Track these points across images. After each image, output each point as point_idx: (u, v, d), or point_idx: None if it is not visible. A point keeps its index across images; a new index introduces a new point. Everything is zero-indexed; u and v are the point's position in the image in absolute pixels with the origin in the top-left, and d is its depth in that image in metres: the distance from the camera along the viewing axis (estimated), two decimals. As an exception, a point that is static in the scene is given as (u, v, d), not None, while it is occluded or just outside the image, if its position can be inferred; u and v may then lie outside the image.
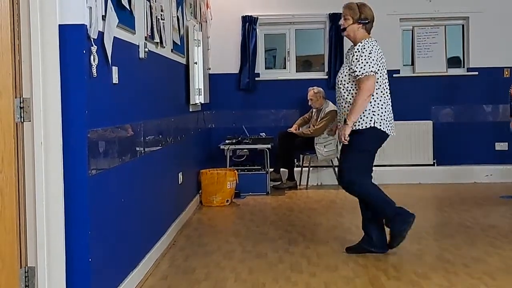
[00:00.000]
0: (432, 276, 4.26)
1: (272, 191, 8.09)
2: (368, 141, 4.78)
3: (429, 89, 8.91)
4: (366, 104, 4.69)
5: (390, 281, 4.17)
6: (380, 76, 4.77)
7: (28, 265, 3.16)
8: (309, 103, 8.46)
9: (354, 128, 4.73)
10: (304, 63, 9.42)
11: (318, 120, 8.34)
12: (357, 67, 4.70)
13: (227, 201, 7.28)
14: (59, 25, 3.14)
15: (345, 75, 4.84)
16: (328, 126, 8.23)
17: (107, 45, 3.52)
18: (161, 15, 5.11)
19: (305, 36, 9.42)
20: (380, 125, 4.75)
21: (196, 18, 7.45)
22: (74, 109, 3.19)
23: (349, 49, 5.03)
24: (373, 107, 4.74)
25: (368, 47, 4.75)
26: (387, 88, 4.85)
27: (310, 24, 9.19)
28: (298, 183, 8.53)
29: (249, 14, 8.84)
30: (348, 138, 4.72)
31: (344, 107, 4.83)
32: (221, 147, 8.14)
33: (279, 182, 8.41)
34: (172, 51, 5.77)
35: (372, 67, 4.69)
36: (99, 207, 3.42)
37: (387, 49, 8.79)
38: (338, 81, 4.90)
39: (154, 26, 4.84)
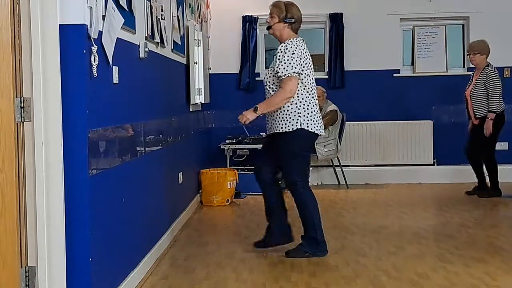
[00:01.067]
0: (433, 276, 4.26)
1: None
2: (298, 143, 4.75)
3: (430, 89, 8.91)
4: (282, 104, 4.67)
5: (391, 281, 4.17)
6: (305, 77, 4.73)
7: (29, 265, 3.16)
8: None
9: (281, 131, 4.72)
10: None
11: None
12: (279, 68, 4.65)
13: (227, 201, 7.27)
14: (60, 25, 3.14)
15: (270, 76, 4.81)
16: (328, 125, 8.23)
17: (106, 46, 3.51)
18: (162, 15, 5.11)
19: (305, 36, 9.35)
20: (308, 126, 4.72)
21: (196, 18, 7.45)
22: (75, 109, 3.19)
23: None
24: (299, 109, 4.70)
25: (291, 47, 4.70)
26: (313, 89, 4.81)
27: (311, 24, 9.16)
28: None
29: (249, 14, 8.83)
30: (247, 122, 4.75)
31: (275, 113, 4.78)
32: (221, 147, 8.14)
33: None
34: (172, 51, 5.77)
35: (295, 68, 4.64)
36: (99, 207, 3.42)
37: (387, 49, 8.90)
38: (265, 83, 4.86)
39: (155, 26, 4.84)
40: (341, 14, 8.83)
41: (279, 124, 4.74)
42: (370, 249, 5.04)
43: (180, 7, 6.18)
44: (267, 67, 9.24)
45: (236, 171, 7.55)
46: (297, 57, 4.67)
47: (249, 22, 8.82)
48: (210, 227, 6.15)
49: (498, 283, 4.08)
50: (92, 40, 3.29)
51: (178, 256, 4.91)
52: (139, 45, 4.39)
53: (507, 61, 8.76)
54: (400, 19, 8.93)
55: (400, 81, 8.94)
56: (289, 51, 4.67)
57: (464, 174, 8.65)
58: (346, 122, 8.56)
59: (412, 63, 9.05)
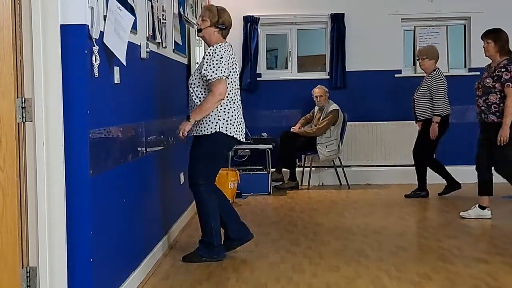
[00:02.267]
0: (434, 277, 4.26)
1: (274, 191, 8.09)
2: (213, 145, 4.74)
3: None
4: (214, 107, 4.66)
5: (392, 281, 4.17)
6: (231, 82, 4.73)
7: (30, 265, 3.16)
8: (317, 100, 8.44)
9: (200, 134, 4.73)
10: (307, 62, 9.43)
11: (321, 119, 8.34)
12: (208, 71, 4.63)
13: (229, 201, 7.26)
14: (61, 25, 3.14)
15: (196, 78, 4.79)
16: (329, 125, 8.24)
17: (113, 46, 3.50)
18: (163, 15, 5.11)
19: (306, 36, 9.42)
20: (226, 130, 4.71)
21: (197, 18, 7.45)
22: (76, 109, 3.19)
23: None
24: (219, 112, 4.70)
25: (220, 51, 4.69)
26: (237, 95, 4.82)
27: (312, 24, 9.19)
28: (299, 183, 8.52)
29: (251, 14, 8.83)
30: (186, 134, 4.72)
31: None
32: (222, 147, 8.12)
33: (280, 182, 8.41)
34: (173, 51, 5.77)
35: (224, 71, 4.64)
36: (100, 207, 3.42)
37: (389, 49, 8.90)
38: (189, 85, 4.86)
39: (156, 26, 4.84)
40: (343, 14, 8.83)
41: (200, 126, 4.74)
42: (372, 249, 5.03)
43: (181, 7, 6.18)
44: (268, 67, 9.27)
45: (237, 171, 7.55)
46: (225, 61, 4.67)
47: (250, 23, 8.82)
48: (211, 227, 6.14)
49: (499, 284, 4.08)
50: (93, 40, 3.29)
51: (179, 257, 4.90)
52: (140, 46, 4.40)
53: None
54: (401, 19, 8.92)
55: (402, 82, 8.93)
56: (217, 54, 4.67)
57: (465, 175, 8.65)
58: (348, 123, 8.56)
59: (414, 64, 9.04)
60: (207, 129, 4.71)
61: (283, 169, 8.46)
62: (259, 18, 8.84)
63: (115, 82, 3.75)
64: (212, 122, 4.70)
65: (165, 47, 5.29)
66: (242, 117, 4.91)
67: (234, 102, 4.79)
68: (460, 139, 8.80)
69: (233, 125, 4.75)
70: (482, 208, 6.20)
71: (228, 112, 4.74)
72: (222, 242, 4.84)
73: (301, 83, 8.91)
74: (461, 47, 9.13)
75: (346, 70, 8.84)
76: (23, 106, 3.11)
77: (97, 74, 3.32)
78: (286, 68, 9.24)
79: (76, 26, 3.18)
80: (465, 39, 9.07)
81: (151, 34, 4.71)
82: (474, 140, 8.68)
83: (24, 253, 3.13)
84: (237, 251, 5.02)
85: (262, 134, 8.53)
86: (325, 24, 9.06)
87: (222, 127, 4.70)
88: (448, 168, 8.75)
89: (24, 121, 3.12)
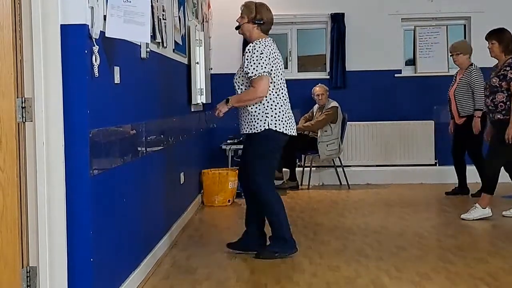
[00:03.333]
0: (434, 277, 4.26)
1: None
2: (264, 143, 4.74)
3: (431, 89, 8.90)
4: (251, 103, 4.69)
5: (392, 281, 4.17)
6: (275, 77, 4.72)
7: (30, 265, 3.16)
8: (318, 98, 8.44)
9: (249, 132, 4.74)
10: (307, 62, 9.43)
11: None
12: (249, 68, 4.65)
13: (229, 201, 7.27)
14: (61, 25, 3.14)
15: (239, 76, 4.82)
16: (328, 120, 8.23)
17: (129, 34, 3.49)
18: (163, 15, 5.11)
19: (306, 36, 9.41)
20: (275, 126, 4.71)
21: (197, 18, 7.45)
22: (76, 109, 3.19)
23: None
24: (267, 109, 4.70)
25: (259, 47, 4.68)
26: (283, 89, 4.81)
27: (312, 24, 9.19)
28: (299, 183, 8.52)
29: (251, 14, 8.82)
30: (222, 115, 4.82)
31: (242, 113, 4.81)
32: (222, 147, 8.14)
33: (281, 182, 8.40)
34: (173, 51, 5.77)
35: (264, 67, 4.64)
36: (101, 207, 3.42)
37: (389, 49, 8.90)
38: (234, 83, 4.89)
39: (156, 26, 4.84)
40: (343, 14, 8.83)
41: (247, 125, 4.76)
42: (372, 249, 5.03)
43: (182, 7, 6.18)
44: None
45: (237, 171, 7.53)
46: (266, 57, 4.66)
47: (250, 22, 8.80)
48: (211, 227, 6.15)
49: (499, 283, 4.08)
50: (94, 40, 3.29)
51: (180, 257, 4.90)
52: (140, 45, 4.39)
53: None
54: (401, 19, 8.92)
55: (402, 81, 8.93)
56: (257, 51, 4.67)
57: (466, 174, 8.65)
58: (348, 123, 8.56)
59: (414, 63, 9.04)
60: (256, 127, 4.71)
61: (283, 169, 8.46)
62: (259, 18, 8.82)
63: (115, 82, 3.75)
64: (261, 120, 4.70)
65: (165, 47, 5.29)
66: (291, 111, 4.88)
67: (281, 97, 4.77)
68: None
69: (281, 121, 4.73)
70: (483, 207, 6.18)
71: (276, 108, 4.72)
72: (291, 236, 4.83)
73: (301, 83, 8.90)
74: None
75: (346, 70, 8.84)
76: (23, 106, 3.11)
77: (97, 74, 3.32)
78: (286, 68, 9.22)
79: (76, 26, 3.18)
80: (465, 39, 9.05)
81: (151, 34, 4.70)
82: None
83: (24, 253, 3.13)
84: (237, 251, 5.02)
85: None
86: (325, 24, 9.05)
87: (271, 124, 4.69)
88: (449, 169, 8.77)
89: (24, 121, 3.12)
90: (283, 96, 4.79)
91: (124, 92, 3.97)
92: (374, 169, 8.87)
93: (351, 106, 8.67)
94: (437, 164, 8.84)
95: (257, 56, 4.64)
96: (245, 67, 4.67)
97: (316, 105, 8.57)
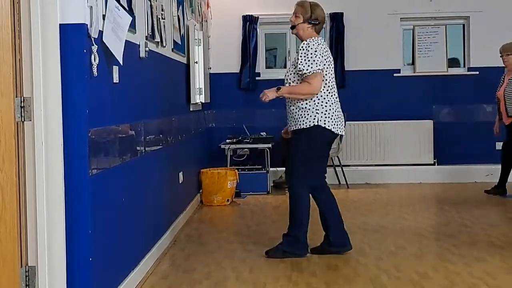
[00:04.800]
0: (433, 276, 4.26)
1: (273, 191, 8.09)
2: (311, 139, 4.74)
3: (430, 89, 8.91)
4: (303, 97, 4.69)
5: (391, 281, 4.17)
6: (326, 75, 4.74)
7: (29, 265, 3.16)
8: None
9: (298, 128, 4.73)
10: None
11: None
12: (303, 66, 4.67)
13: (228, 200, 7.27)
14: (60, 24, 3.14)
15: (291, 73, 4.82)
16: None
17: (112, 46, 3.49)
18: (162, 14, 5.11)
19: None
20: (325, 123, 4.70)
21: (196, 18, 7.45)
22: (75, 109, 3.19)
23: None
24: (317, 105, 4.71)
25: (313, 45, 4.72)
26: (333, 87, 4.82)
27: (311, 24, 9.18)
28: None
29: (250, 13, 8.84)
30: (267, 100, 4.82)
31: (292, 108, 4.79)
32: (221, 147, 8.13)
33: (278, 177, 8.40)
34: (172, 50, 5.77)
35: (318, 65, 4.66)
36: (99, 207, 3.42)
37: (388, 49, 8.90)
38: (285, 79, 4.89)
39: (155, 26, 4.84)
40: (342, 13, 8.83)
41: (297, 120, 4.75)
42: (371, 248, 5.03)
43: (181, 6, 6.18)
44: (267, 67, 9.26)
45: (236, 170, 7.55)
46: (320, 55, 4.69)
47: (249, 22, 8.82)
48: (210, 226, 6.15)
49: (498, 283, 4.08)
50: (92, 39, 3.28)
51: (178, 256, 4.91)
52: (139, 45, 4.39)
53: (507, 61, 8.73)
54: (400, 18, 8.92)
55: (401, 81, 8.94)
56: (311, 48, 4.69)
57: (465, 174, 8.67)
58: (347, 122, 8.55)
59: (413, 63, 9.04)
60: (305, 122, 4.71)
61: (279, 169, 8.46)
62: (258, 17, 8.84)
63: (114, 81, 3.75)
64: (310, 116, 4.70)
65: (164, 46, 5.29)
66: (341, 110, 4.88)
67: (331, 95, 4.78)
68: (459, 139, 8.81)
69: (331, 118, 4.73)
70: None
71: (326, 105, 4.73)
72: (307, 240, 4.81)
73: (300, 82, 8.89)
74: (460, 47, 9.12)
75: (345, 69, 8.84)
76: (22, 105, 3.10)
77: (96, 74, 3.31)
78: (285, 68, 9.23)
79: (75, 25, 3.18)
80: (464, 38, 9.06)
81: (150, 33, 4.71)
82: (474, 140, 8.72)
83: (23, 253, 3.13)
84: (236, 251, 5.03)
85: (261, 133, 8.53)
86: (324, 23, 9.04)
87: (320, 120, 4.70)
88: (448, 168, 8.79)
89: (23, 120, 3.11)
90: (334, 95, 4.80)
91: (123, 92, 3.97)
92: (373, 169, 8.87)
93: (350, 105, 8.63)
94: (436, 164, 8.84)
95: (311, 54, 4.67)
96: (299, 64, 4.68)
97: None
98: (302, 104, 4.73)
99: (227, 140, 8.24)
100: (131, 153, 4.12)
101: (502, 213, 6.50)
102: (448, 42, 8.95)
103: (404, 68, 9.05)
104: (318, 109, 4.70)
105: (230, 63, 8.89)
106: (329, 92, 4.77)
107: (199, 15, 7.75)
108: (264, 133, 8.54)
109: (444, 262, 4.60)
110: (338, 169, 8.53)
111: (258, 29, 8.89)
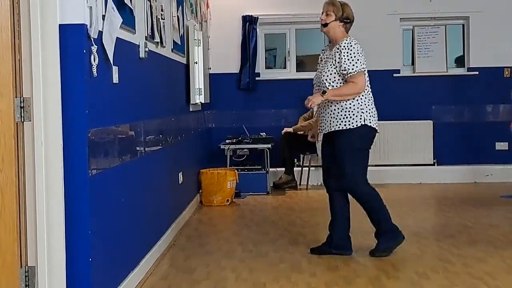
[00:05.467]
0: (433, 276, 4.26)
1: (272, 191, 8.09)
2: (360, 139, 4.73)
3: (430, 89, 8.91)
4: (349, 98, 4.67)
5: (391, 281, 4.17)
6: (366, 73, 4.76)
7: (29, 265, 3.16)
8: None
9: (344, 128, 4.68)
10: (306, 61, 9.43)
11: None
12: (348, 65, 4.65)
13: (227, 200, 7.27)
14: (59, 25, 3.14)
15: (331, 74, 4.74)
16: None
17: (107, 45, 3.51)
18: (161, 14, 5.11)
19: (305, 36, 9.41)
20: (370, 122, 4.72)
21: (196, 18, 7.45)
22: (75, 109, 3.19)
23: (323, 49, 5.00)
24: (361, 105, 4.71)
25: (355, 44, 4.73)
26: (369, 86, 4.86)
27: (311, 24, 9.16)
28: (298, 183, 8.51)
29: (249, 13, 8.83)
30: (313, 106, 4.76)
31: (333, 109, 4.73)
32: (221, 147, 8.13)
33: (294, 184, 8.39)
34: (172, 50, 5.76)
35: (362, 63, 4.68)
36: (99, 207, 3.42)
37: (387, 49, 8.89)
38: (322, 81, 4.76)
39: (155, 26, 4.84)
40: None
41: (342, 121, 4.69)
42: (370, 248, 5.03)
43: (180, 6, 6.17)
44: (267, 67, 9.26)
45: (236, 171, 7.55)
46: (362, 54, 4.70)
47: (249, 22, 8.82)
48: (210, 227, 6.15)
49: (498, 283, 4.08)
50: (92, 40, 3.29)
51: (178, 256, 4.90)
52: (139, 45, 4.39)
53: (507, 61, 8.75)
54: (400, 19, 8.92)
55: (400, 81, 8.93)
56: (353, 47, 4.69)
57: (464, 174, 8.67)
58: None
59: (412, 63, 9.04)
60: (352, 122, 4.68)
61: (279, 168, 8.46)
62: (257, 17, 8.84)
63: (114, 81, 3.75)
64: (356, 116, 4.68)
65: (164, 47, 5.29)
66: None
67: (370, 93, 4.81)
68: (459, 139, 8.82)
69: (374, 117, 4.76)
70: None
71: (369, 104, 4.75)
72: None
73: (299, 82, 8.89)
74: (459, 47, 9.12)
75: (345, 69, 8.83)
76: (22, 105, 3.10)
77: (95, 74, 3.32)
78: (285, 68, 9.24)
79: (74, 25, 3.18)
80: (463, 39, 9.06)
81: (150, 34, 4.71)
82: (474, 140, 8.73)
83: (22, 253, 3.13)
84: (236, 251, 5.02)
85: (261, 133, 8.53)
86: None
87: (366, 119, 4.70)
88: (448, 168, 8.79)
89: (22, 120, 3.11)
90: (371, 94, 4.83)
91: (123, 92, 3.97)
92: (372, 169, 8.76)
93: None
94: (436, 164, 8.84)
95: (354, 53, 4.67)
96: (343, 64, 4.64)
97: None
98: (346, 104, 4.69)
99: (227, 140, 8.24)
100: (130, 154, 4.12)
101: (502, 213, 6.49)
102: (447, 42, 8.94)
103: (403, 68, 9.05)
104: (363, 109, 4.70)
105: (230, 63, 8.89)
106: (370, 92, 4.81)
107: (199, 15, 7.74)
108: (264, 133, 8.54)
109: (444, 262, 4.60)
110: (338, 169, 8.51)
111: (257, 29, 8.89)
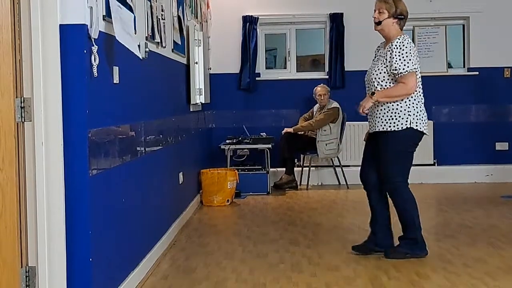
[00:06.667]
0: (433, 276, 4.26)
1: (273, 191, 8.09)
2: (405, 141, 4.65)
3: (430, 89, 8.83)
4: (398, 99, 4.60)
5: (391, 281, 4.17)
6: (417, 74, 4.69)
7: (29, 265, 3.16)
8: (320, 99, 8.43)
9: (389, 130, 4.62)
10: (312, 62, 9.42)
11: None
12: (399, 65, 4.57)
13: (228, 201, 7.27)
14: (60, 25, 3.14)
15: (381, 73, 4.67)
16: (328, 120, 8.22)
17: (127, 44, 3.50)
18: (162, 15, 5.11)
19: (305, 36, 9.42)
20: (417, 125, 4.64)
21: (196, 18, 7.45)
22: (75, 109, 3.19)
23: (378, 46, 4.92)
24: (409, 107, 4.63)
25: (408, 43, 4.63)
26: (421, 87, 4.76)
27: (311, 24, 9.19)
28: (299, 183, 8.51)
29: (250, 14, 8.84)
30: (367, 111, 4.66)
31: (380, 109, 4.67)
32: (221, 147, 8.14)
33: (294, 184, 8.39)
34: (172, 51, 5.77)
35: (414, 63, 4.60)
36: (99, 207, 3.42)
37: (388, 49, 8.87)
38: (371, 79, 4.71)
39: (155, 26, 4.84)
40: (341, 14, 8.83)
41: (387, 122, 4.64)
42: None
43: (181, 7, 6.18)
44: (267, 67, 9.26)
45: (236, 171, 7.55)
46: (414, 53, 4.62)
47: (249, 22, 8.82)
48: (210, 227, 6.15)
49: (498, 283, 4.08)
50: (93, 40, 3.29)
51: (178, 256, 4.91)
52: (139, 45, 4.39)
53: (507, 61, 8.75)
54: (400, 19, 8.90)
55: (400, 81, 8.92)
56: (405, 47, 4.60)
57: (464, 174, 8.67)
58: (346, 122, 8.56)
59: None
60: (397, 124, 4.61)
61: (280, 169, 8.46)
62: (258, 18, 8.84)
63: (114, 82, 3.75)
64: (403, 118, 4.61)
65: (164, 47, 5.29)
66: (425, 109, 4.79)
67: (421, 95, 4.73)
68: (459, 139, 8.82)
69: (421, 120, 4.68)
70: None
71: (417, 107, 4.67)
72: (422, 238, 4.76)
73: (300, 83, 8.91)
74: (460, 47, 9.12)
75: (345, 69, 8.84)
76: (22, 106, 3.11)
77: (96, 74, 3.32)
78: (285, 68, 9.24)
79: (75, 26, 3.18)
80: (463, 39, 9.06)
81: (150, 34, 4.71)
82: (474, 140, 8.73)
83: (23, 253, 3.13)
84: (236, 251, 5.03)
85: (261, 133, 8.53)
86: (324, 23, 9.05)
87: (412, 123, 4.62)
88: (447, 168, 8.79)
89: (23, 121, 3.12)
90: (421, 94, 4.75)
91: (123, 92, 3.97)
92: (373, 169, 8.85)
93: (350, 106, 8.62)
94: (436, 164, 8.84)
95: (406, 53, 4.58)
96: (394, 63, 4.57)
97: (317, 105, 8.57)
98: (392, 106, 4.63)
99: (227, 141, 8.25)
100: (131, 154, 4.12)
101: (502, 213, 6.49)
102: (447, 42, 8.94)
103: (404, 68, 9.03)
104: (410, 111, 4.62)
105: (230, 63, 8.89)
106: (419, 93, 4.71)
107: (199, 15, 7.74)
108: (264, 133, 8.54)
109: (444, 262, 4.60)
110: (338, 169, 8.53)
111: (258, 30, 8.89)
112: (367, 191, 4.89)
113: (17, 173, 3.08)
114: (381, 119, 4.66)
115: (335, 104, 8.34)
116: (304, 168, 8.60)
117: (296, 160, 8.59)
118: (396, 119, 4.61)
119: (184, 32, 6.50)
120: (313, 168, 8.61)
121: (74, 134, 3.19)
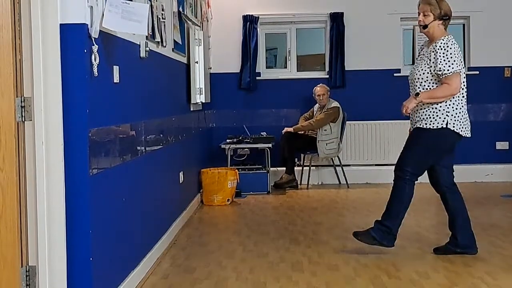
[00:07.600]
0: (433, 275, 4.26)
1: (273, 191, 8.09)
2: (437, 140, 4.68)
3: (430, 89, 8.89)
4: (443, 100, 4.60)
5: (391, 280, 4.17)
6: (461, 75, 4.66)
7: (29, 264, 3.16)
8: (319, 99, 8.43)
9: (425, 127, 4.65)
10: (309, 61, 9.44)
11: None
12: (443, 65, 4.56)
13: (228, 200, 7.28)
14: (60, 24, 3.15)
15: (424, 73, 4.66)
16: (329, 119, 8.22)
17: (121, 27, 3.51)
18: (162, 14, 5.11)
19: (306, 36, 9.42)
20: (454, 126, 4.63)
21: (197, 18, 7.45)
22: (75, 108, 3.19)
23: (422, 45, 4.91)
24: (447, 108, 4.62)
25: (452, 44, 4.62)
26: (464, 89, 4.72)
27: (311, 24, 9.19)
28: (299, 182, 8.51)
29: (250, 13, 8.84)
30: (409, 112, 4.71)
31: (421, 106, 4.68)
32: (222, 147, 8.14)
33: (294, 183, 8.39)
34: (173, 50, 5.77)
35: (458, 64, 4.58)
36: (100, 206, 3.43)
37: (388, 48, 8.90)
38: (414, 79, 4.72)
39: (155, 26, 4.84)
40: (342, 13, 8.83)
41: (425, 120, 4.67)
42: (371, 248, 5.03)
43: (181, 6, 6.18)
44: (267, 67, 9.27)
45: (236, 170, 7.55)
46: (459, 54, 4.62)
47: (249, 22, 8.83)
48: (210, 226, 6.16)
49: (498, 282, 4.09)
50: (93, 39, 3.29)
51: (179, 256, 4.91)
52: (139, 45, 4.40)
53: (507, 61, 8.75)
54: (400, 18, 8.92)
55: (401, 81, 8.90)
56: (450, 48, 4.59)
57: (464, 174, 8.65)
58: (347, 122, 8.57)
59: (413, 63, 9.03)
60: (434, 123, 4.63)
61: (279, 168, 8.46)
62: (258, 17, 8.85)
63: (115, 81, 3.76)
64: (440, 117, 4.62)
65: (165, 46, 5.29)
66: (467, 112, 4.78)
67: (463, 96, 4.70)
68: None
69: (460, 121, 4.66)
70: None
71: (457, 108, 4.65)
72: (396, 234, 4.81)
73: (300, 82, 8.91)
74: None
75: (345, 69, 8.85)
76: (23, 105, 3.11)
77: (96, 73, 3.32)
78: (286, 67, 9.24)
79: (75, 25, 3.18)
80: (464, 38, 9.06)
81: (151, 33, 4.71)
82: (474, 140, 8.66)
83: (23, 252, 3.14)
84: (236, 251, 5.03)
85: (262, 133, 8.53)
86: (324, 23, 9.06)
87: (449, 123, 4.62)
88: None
89: (23, 120, 3.12)
90: (465, 97, 4.72)
91: (124, 92, 3.97)
92: (373, 169, 8.87)
93: (350, 105, 8.67)
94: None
95: (451, 53, 4.58)
96: (439, 64, 4.56)
97: (317, 105, 8.57)
98: (432, 104, 4.64)
99: (228, 140, 8.25)
100: (131, 153, 4.13)
101: (502, 213, 6.49)
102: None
103: (404, 68, 9.04)
104: (448, 111, 4.62)
105: (230, 63, 8.89)
106: (462, 94, 4.68)
107: (200, 15, 7.74)
108: (265, 133, 8.54)
109: (444, 261, 4.60)
110: (338, 169, 8.53)
111: (258, 29, 8.89)
112: (440, 194, 4.94)
113: (17, 173, 3.09)
114: (420, 117, 4.71)
115: (335, 104, 8.35)
116: (304, 168, 8.60)
117: (296, 159, 8.59)
118: (433, 117, 4.64)
119: (185, 31, 6.50)
120: (314, 167, 8.61)
121: (74, 134, 3.19)
